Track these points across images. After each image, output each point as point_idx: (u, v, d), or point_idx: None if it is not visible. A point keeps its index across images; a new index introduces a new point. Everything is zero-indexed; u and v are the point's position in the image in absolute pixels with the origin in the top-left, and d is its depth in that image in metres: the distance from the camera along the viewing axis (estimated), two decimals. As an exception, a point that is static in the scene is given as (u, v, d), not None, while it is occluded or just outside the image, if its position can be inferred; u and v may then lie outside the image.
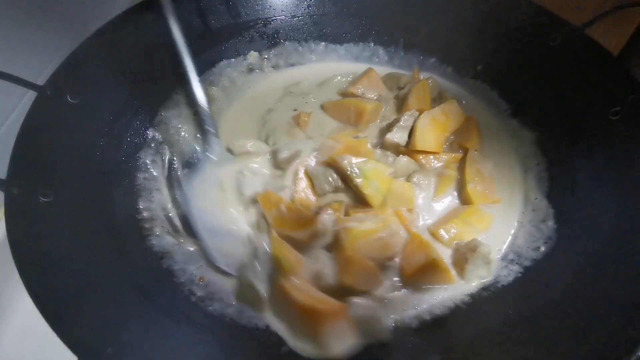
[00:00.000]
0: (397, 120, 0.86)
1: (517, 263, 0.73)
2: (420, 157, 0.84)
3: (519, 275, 0.72)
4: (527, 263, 0.73)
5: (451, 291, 0.72)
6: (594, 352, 0.56)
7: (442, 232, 0.76)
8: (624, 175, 0.72)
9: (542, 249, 0.73)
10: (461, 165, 0.84)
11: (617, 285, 0.61)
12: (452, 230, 0.76)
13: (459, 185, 0.83)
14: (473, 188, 0.80)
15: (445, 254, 0.75)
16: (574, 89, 0.82)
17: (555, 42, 0.84)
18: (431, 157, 0.84)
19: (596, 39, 0.78)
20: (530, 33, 0.87)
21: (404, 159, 0.83)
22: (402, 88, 0.98)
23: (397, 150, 0.86)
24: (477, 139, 0.88)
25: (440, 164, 0.84)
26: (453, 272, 0.73)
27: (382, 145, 0.87)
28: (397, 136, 0.84)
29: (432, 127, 0.83)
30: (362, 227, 0.71)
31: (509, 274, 0.72)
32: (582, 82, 0.81)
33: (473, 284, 0.72)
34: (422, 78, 0.97)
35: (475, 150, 0.86)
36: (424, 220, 0.80)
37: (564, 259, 0.70)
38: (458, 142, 0.87)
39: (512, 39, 0.90)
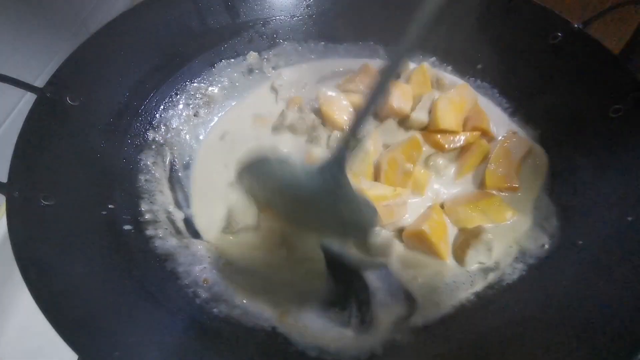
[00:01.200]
0: (417, 102, 0.90)
1: (521, 261, 0.74)
2: (439, 137, 0.85)
3: (524, 273, 0.72)
4: (531, 261, 0.73)
5: (456, 290, 0.72)
6: (600, 350, 0.56)
7: (455, 211, 0.77)
8: (626, 173, 0.72)
9: (546, 246, 0.74)
10: (493, 146, 0.85)
11: (621, 283, 0.61)
12: (467, 214, 0.77)
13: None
14: (492, 170, 0.80)
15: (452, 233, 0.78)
16: (575, 87, 0.82)
17: (555, 41, 0.85)
18: (450, 137, 0.85)
19: (597, 37, 0.79)
20: (530, 31, 0.87)
21: (410, 133, 0.86)
22: (399, 78, 0.99)
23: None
24: (487, 118, 0.89)
25: (459, 144, 0.86)
26: (448, 252, 0.75)
27: (407, 123, 0.90)
28: (422, 115, 0.87)
29: (451, 108, 0.86)
30: (373, 191, 0.73)
31: (514, 272, 0.73)
32: (582, 81, 0.82)
33: (472, 268, 0.74)
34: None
35: (514, 132, 0.87)
36: (442, 195, 0.82)
37: (568, 256, 0.70)
38: (472, 126, 0.88)
39: (512, 38, 0.91)
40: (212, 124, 0.97)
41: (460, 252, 0.74)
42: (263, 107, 0.99)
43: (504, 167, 0.81)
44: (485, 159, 0.84)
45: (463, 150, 0.86)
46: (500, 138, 0.87)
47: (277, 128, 0.94)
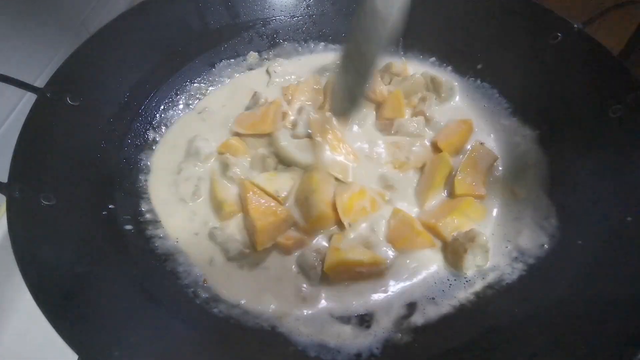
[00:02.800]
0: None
1: (521, 261, 0.73)
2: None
3: (524, 273, 0.72)
4: (531, 261, 0.73)
5: (455, 289, 0.72)
6: (600, 350, 0.56)
7: (441, 225, 0.76)
8: (625, 172, 0.72)
9: (546, 246, 0.73)
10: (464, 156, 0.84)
11: (621, 282, 0.61)
12: (453, 223, 0.76)
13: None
14: (461, 179, 0.80)
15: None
16: (574, 87, 0.82)
17: (555, 41, 0.84)
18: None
19: (596, 37, 0.79)
20: (530, 31, 0.87)
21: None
22: (398, 75, 0.99)
23: None
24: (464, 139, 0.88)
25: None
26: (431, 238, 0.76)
27: None
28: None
29: None
30: (351, 255, 0.71)
31: (513, 272, 0.72)
32: (582, 81, 0.81)
33: (469, 273, 0.73)
34: (411, 73, 0.99)
35: (481, 143, 0.86)
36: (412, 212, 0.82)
37: (568, 256, 0.70)
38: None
39: (512, 38, 0.90)
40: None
41: (457, 259, 0.74)
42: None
43: (472, 176, 0.81)
44: (449, 175, 0.83)
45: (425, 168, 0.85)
46: (468, 148, 0.86)
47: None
